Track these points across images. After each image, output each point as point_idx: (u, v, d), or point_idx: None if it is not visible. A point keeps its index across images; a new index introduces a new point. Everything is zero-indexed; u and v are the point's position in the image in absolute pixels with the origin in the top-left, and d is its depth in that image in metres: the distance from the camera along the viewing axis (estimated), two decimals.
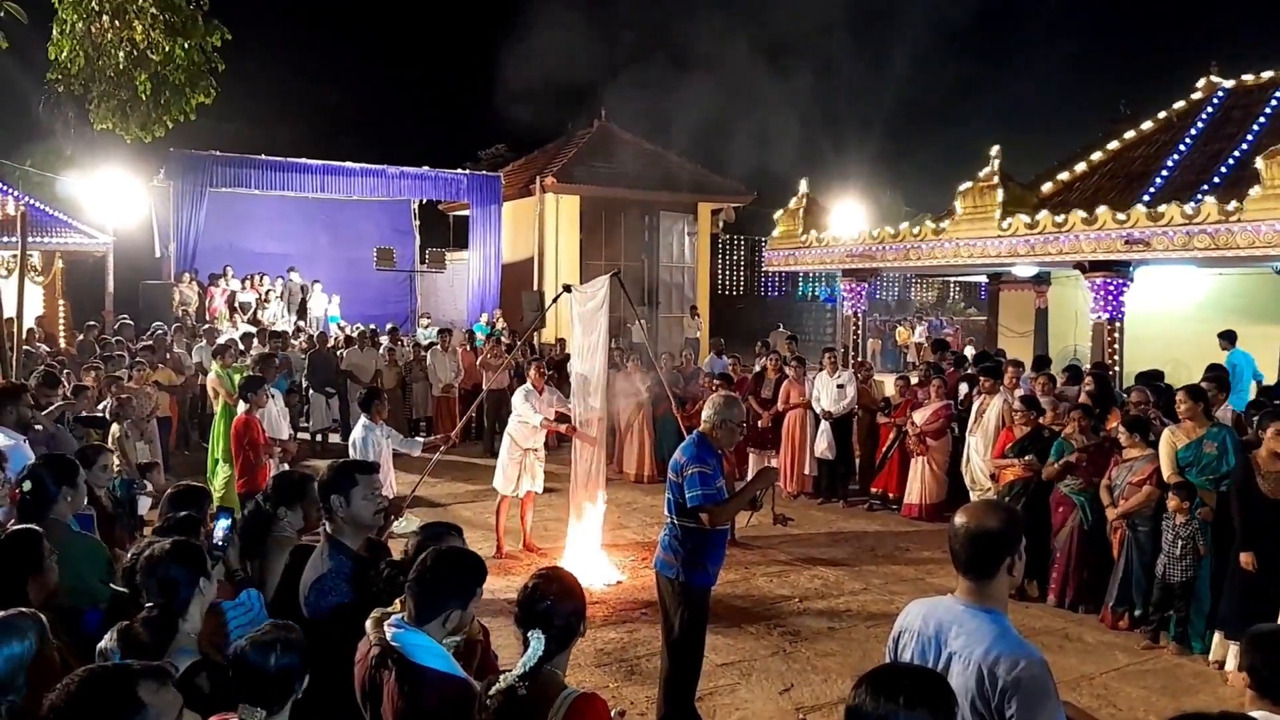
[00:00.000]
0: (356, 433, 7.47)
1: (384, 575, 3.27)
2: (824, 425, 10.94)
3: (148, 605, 3.06)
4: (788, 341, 14.64)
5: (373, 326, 17.56)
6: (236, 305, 18.78)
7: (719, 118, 18.28)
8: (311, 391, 14.02)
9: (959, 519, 2.68)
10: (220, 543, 3.77)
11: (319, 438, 14.02)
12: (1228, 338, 11.51)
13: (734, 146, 20.25)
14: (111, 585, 3.56)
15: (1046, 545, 7.48)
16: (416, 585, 2.80)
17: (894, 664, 2.66)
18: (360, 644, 2.89)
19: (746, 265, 31.30)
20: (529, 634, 2.63)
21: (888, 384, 13.40)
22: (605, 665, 6.11)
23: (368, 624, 2.88)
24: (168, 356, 12.94)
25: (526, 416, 8.37)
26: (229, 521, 3.85)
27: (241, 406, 7.91)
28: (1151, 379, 8.87)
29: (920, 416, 10.17)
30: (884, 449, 10.87)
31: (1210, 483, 6.35)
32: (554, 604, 2.67)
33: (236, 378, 9.52)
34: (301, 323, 19.04)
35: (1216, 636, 6.13)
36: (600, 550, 8.18)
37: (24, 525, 3.58)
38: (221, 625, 3.23)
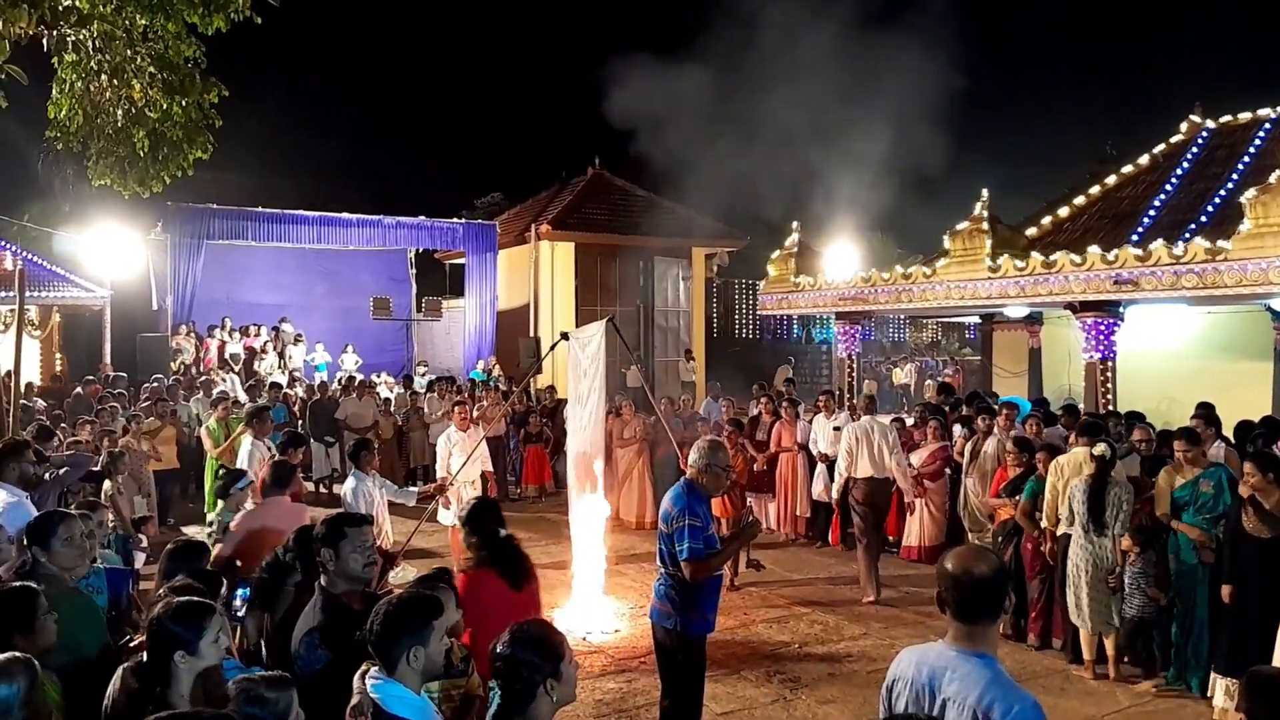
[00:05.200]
0: (348, 484, 7.45)
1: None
2: (821, 468, 10.92)
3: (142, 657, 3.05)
4: (787, 384, 14.64)
5: (374, 376, 17.59)
6: (227, 356, 18.79)
7: (712, 163, 18.51)
8: (312, 441, 14.01)
9: (948, 565, 2.70)
10: (239, 613, 3.71)
11: (320, 487, 13.99)
12: None
13: (727, 191, 20.44)
14: (105, 641, 3.53)
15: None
16: (370, 637, 2.86)
17: (893, 716, 2.67)
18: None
19: (742, 309, 31.44)
20: (490, 686, 2.65)
21: None
22: (603, 716, 6.05)
23: (355, 678, 2.89)
24: (168, 409, 12.92)
25: (440, 458, 9.43)
26: (247, 590, 3.79)
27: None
28: (1135, 418, 8.94)
29: (917, 459, 10.16)
30: None
31: (1207, 522, 6.33)
32: (510, 657, 2.61)
33: (238, 428, 9.53)
34: (298, 372, 19.05)
35: (1213, 673, 6.10)
36: (601, 598, 8.14)
37: (21, 583, 3.50)
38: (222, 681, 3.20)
